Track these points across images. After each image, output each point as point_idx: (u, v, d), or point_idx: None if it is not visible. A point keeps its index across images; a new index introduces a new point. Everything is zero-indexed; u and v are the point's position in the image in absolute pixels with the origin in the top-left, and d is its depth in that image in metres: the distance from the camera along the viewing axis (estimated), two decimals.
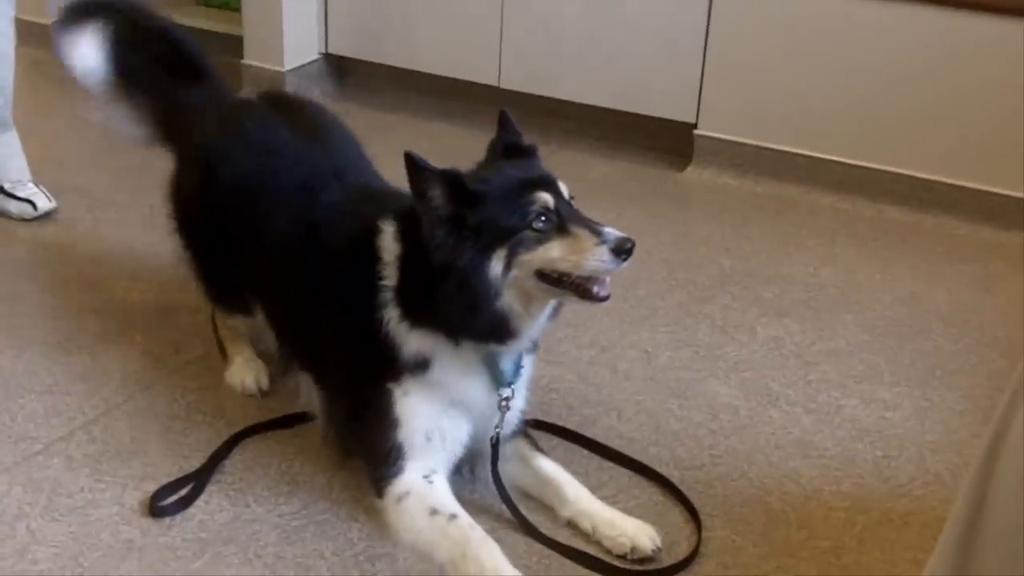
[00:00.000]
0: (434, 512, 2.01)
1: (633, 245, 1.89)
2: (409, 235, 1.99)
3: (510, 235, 1.89)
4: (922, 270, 3.27)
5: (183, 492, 2.15)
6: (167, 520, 2.10)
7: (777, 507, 2.22)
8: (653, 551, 2.04)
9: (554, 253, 1.90)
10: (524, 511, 2.13)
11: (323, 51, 4.44)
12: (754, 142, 3.81)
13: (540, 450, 2.24)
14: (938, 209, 3.60)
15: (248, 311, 2.44)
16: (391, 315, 2.02)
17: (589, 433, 2.40)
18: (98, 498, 2.16)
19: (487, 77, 4.13)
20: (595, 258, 1.88)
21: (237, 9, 4.43)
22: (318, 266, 2.16)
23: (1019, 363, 1.32)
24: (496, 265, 1.90)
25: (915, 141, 3.60)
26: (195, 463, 2.24)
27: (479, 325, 1.94)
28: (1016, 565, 1.30)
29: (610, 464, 2.32)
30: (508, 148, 2.06)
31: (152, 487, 2.16)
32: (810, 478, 2.31)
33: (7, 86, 3.26)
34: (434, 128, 4.15)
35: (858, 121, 3.67)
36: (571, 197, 1.97)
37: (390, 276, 2.02)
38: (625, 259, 1.89)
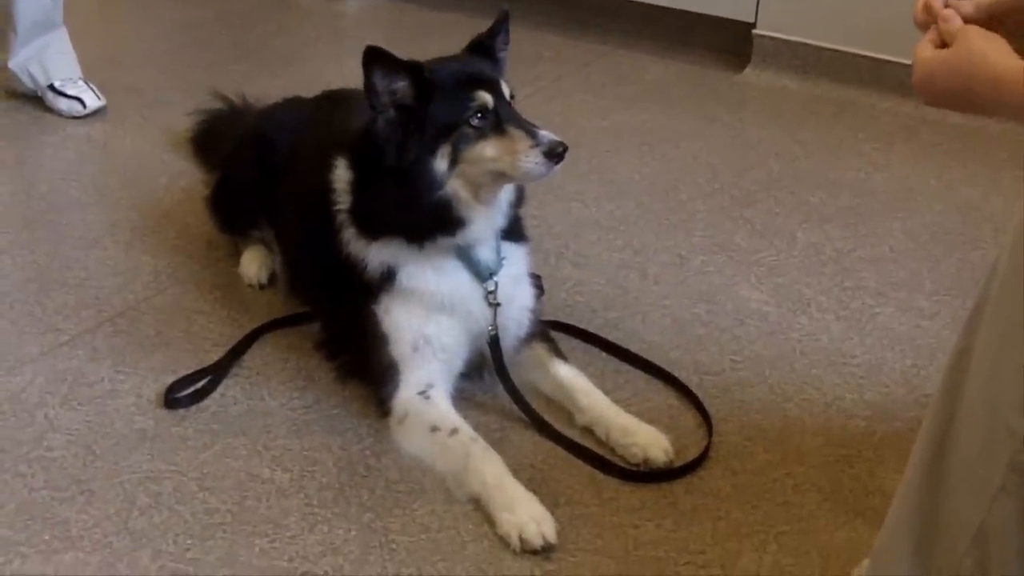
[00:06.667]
0: (434, 429, 2.01)
1: (565, 149, 1.91)
2: (359, 160, 2.04)
3: (450, 131, 1.92)
4: (981, 177, 3.13)
5: (199, 385, 2.19)
6: (182, 411, 2.13)
7: (794, 414, 2.17)
8: (665, 463, 2.01)
9: (489, 152, 1.93)
10: (539, 413, 2.11)
11: None
12: (814, 42, 3.67)
13: (559, 355, 2.22)
14: None
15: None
16: (349, 235, 2.06)
17: (611, 336, 2.36)
18: (117, 389, 2.20)
19: None
20: (528, 160, 1.91)
21: None
22: (295, 204, 2.31)
23: None
24: (441, 162, 1.93)
25: None
26: (216, 357, 2.27)
27: (423, 217, 1.97)
28: (985, 484, 1.24)
29: (628, 367, 2.29)
30: (473, 46, 2.08)
31: (171, 379, 2.19)
32: (832, 386, 2.25)
33: None
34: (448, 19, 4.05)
35: None
36: (512, 97, 1.98)
37: (344, 201, 2.08)
38: (558, 162, 1.91)
